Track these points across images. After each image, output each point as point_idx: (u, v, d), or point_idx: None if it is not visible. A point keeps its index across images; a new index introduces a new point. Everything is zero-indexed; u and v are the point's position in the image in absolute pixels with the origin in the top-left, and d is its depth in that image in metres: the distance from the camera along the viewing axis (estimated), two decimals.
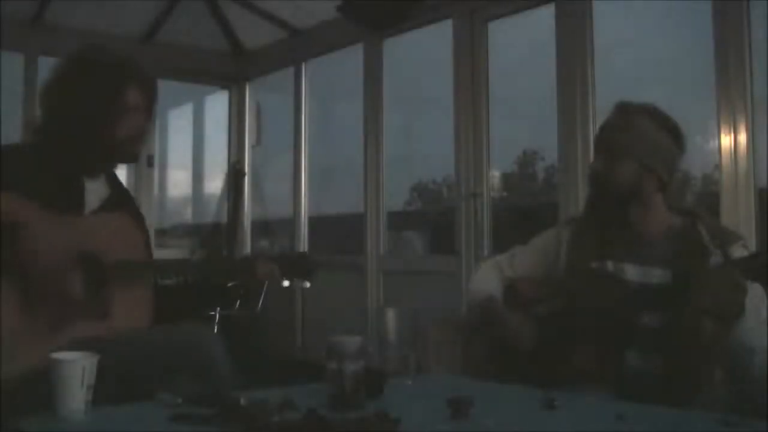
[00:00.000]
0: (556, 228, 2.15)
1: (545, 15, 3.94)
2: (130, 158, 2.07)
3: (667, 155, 1.95)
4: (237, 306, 5.08)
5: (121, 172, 2.79)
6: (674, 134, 1.95)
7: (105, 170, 2.06)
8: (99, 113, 1.93)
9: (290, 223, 5.47)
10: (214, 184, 6.25)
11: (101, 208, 1.99)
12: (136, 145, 2.02)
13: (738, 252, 1.83)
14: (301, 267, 2.11)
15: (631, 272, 1.93)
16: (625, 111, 1.97)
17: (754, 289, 1.75)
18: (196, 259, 2.02)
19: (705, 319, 1.72)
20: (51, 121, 1.98)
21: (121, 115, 1.95)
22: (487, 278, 2.14)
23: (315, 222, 5.44)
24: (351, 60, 5.09)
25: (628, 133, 1.92)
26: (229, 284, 4.11)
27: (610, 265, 1.95)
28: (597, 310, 1.89)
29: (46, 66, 2.16)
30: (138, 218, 2.09)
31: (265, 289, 5.00)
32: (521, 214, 4.62)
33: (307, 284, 2.10)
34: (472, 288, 2.16)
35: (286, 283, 2.09)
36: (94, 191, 2.01)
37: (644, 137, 1.92)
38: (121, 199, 2.09)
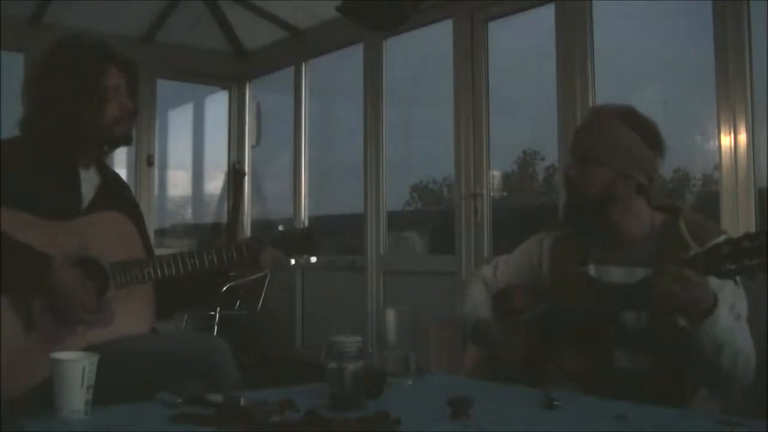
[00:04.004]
0: (538, 235, 2.15)
1: (545, 15, 3.94)
2: (121, 140, 2.03)
3: (642, 160, 1.91)
4: (237, 306, 5.08)
5: (121, 172, 2.79)
6: (649, 136, 1.91)
7: (97, 157, 2.06)
8: (82, 97, 1.93)
9: (290, 223, 5.47)
10: (214, 184, 6.24)
11: (96, 206, 1.98)
12: (125, 126, 2.01)
13: None
14: (307, 242, 2.10)
15: (614, 274, 1.92)
16: (598, 116, 1.94)
17: (726, 285, 1.73)
18: (197, 252, 1.99)
19: (678, 318, 1.71)
20: (35, 113, 1.98)
21: (105, 95, 1.95)
22: (473, 296, 2.16)
23: (315, 222, 5.44)
24: (351, 60, 5.08)
25: (600, 140, 1.89)
26: (230, 283, 4.09)
27: (592, 269, 1.95)
28: (580, 313, 1.89)
29: None
30: (133, 212, 2.08)
31: (267, 282, 4.99)
32: (521, 214, 4.62)
33: (314, 259, 2.10)
34: (463, 308, 2.17)
35: (292, 261, 2.10)
36: (87, 181, 2.01)
37: (617, 144, 1.89)
38: (114, 193, 2.08)
